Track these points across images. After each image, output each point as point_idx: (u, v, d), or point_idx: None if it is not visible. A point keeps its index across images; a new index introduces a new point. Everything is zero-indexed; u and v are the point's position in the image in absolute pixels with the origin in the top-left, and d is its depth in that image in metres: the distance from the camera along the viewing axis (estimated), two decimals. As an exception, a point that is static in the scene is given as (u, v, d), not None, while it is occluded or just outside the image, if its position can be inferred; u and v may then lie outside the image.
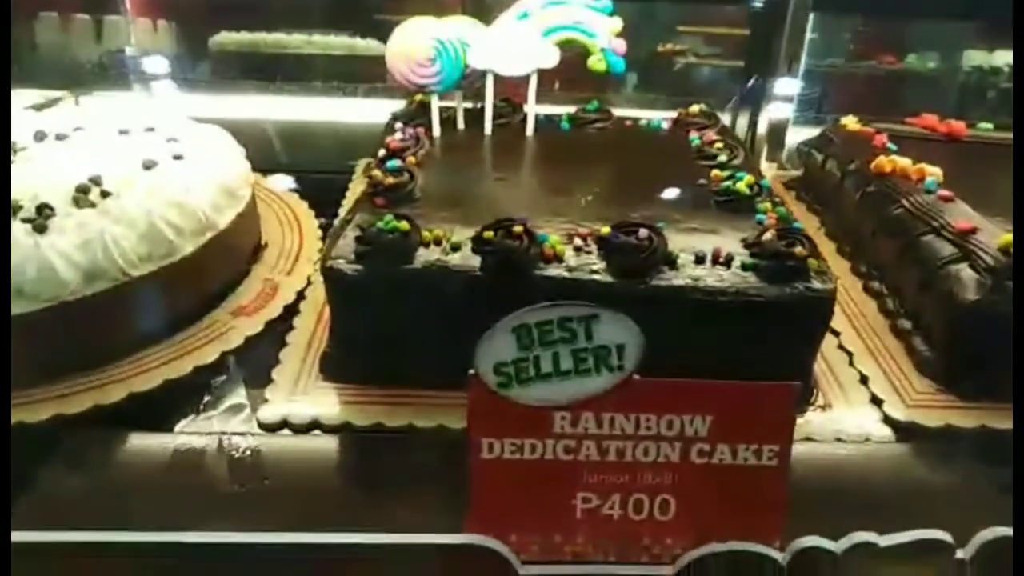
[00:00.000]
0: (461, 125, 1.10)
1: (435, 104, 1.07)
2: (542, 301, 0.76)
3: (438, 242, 0.81)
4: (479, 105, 1.11)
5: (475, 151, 1.07)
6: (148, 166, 0.91)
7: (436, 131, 1.08)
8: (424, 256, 0.79)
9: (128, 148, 0.95)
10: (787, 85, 1.65)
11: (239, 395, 0.80)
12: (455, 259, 0.79)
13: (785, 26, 1.64)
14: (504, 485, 0.58)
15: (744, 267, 0.78)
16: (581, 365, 0.57)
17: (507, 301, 0.76)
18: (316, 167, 1.40)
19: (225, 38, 2.02)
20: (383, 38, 2.05)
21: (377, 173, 0.90)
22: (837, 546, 0.56)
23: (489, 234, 0.79)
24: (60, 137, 0.99)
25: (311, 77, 1.95)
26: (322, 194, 1.22)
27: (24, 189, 0.84)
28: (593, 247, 0.81)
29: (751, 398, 0.59)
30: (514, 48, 1.04)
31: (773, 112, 1.61)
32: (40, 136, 0.98)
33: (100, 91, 1.83)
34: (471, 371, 0.58)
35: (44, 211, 0.80)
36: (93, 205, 0.83)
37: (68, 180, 0.85)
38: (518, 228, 0.79)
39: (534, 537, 0.59)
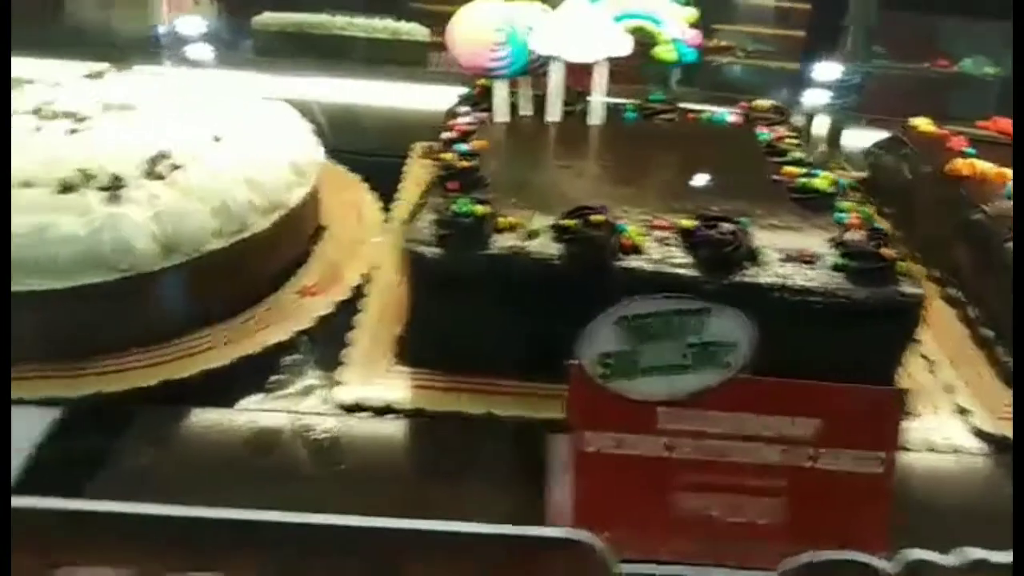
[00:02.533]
0: (527, 112, 1.08)
1: (499, 89, 1.05)
2: (621, 292, 0.75)
3: (513, 228, 0.79)
4: (540, 92, 1.09)
5: (540, 138, 1.04)
6: (218, 140, 0.90)
7: (500, 116, 1.06)
8: (501, 242, 0.77)
9: (196, 121, 0.94)
10: (844, 84, 1.62)
11: (310, 375, 0.79)
12: (533, 246, 0.77)
13: (846, 25, 1.62)
14: (602, 480, 0.57)
15: (836, 267, 0.75)
16: (689, 360, 0.55)
17: (584, 291, 0.76)
18: (359, 148, 1.38)
19: (268, 17, 2.00)
20: (425, 23, 2.03)
21: (448, 156, 0.88)
22: (949, 560, 0.54)
23: (571, 222, 0.77)
24: (124, 108, 0.97)
25: (353, 59, 1.93)
26: (369, 176, 1.20)
27: (92, 158, 0.82)
28: (674, 239, 0.79)
29: (858, 402, 0.57)
30: (584, 34, 1.02)
31: (829, 112, 1.59)
32: (105, 106, 0.97)
33: (141, 65, 1.82)
34: (573, 361, 0.56)
35: (118, 181, 0.79)
36: (163, 177, 0.81)
37: (138, 152, 0.84)
38: (599, 217, 0.77)
39: (630, 534, 0.57)
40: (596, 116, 1.06)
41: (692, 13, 1.05)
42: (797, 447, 0.57)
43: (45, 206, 0.75)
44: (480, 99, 1.09)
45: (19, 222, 0.73)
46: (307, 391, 0.77)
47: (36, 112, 0.94)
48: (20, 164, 0.80)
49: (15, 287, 0.72)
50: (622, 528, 0.57)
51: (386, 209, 1.08)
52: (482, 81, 1.09)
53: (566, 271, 0.76)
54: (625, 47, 1.03)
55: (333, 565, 0.59)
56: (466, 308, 0.78)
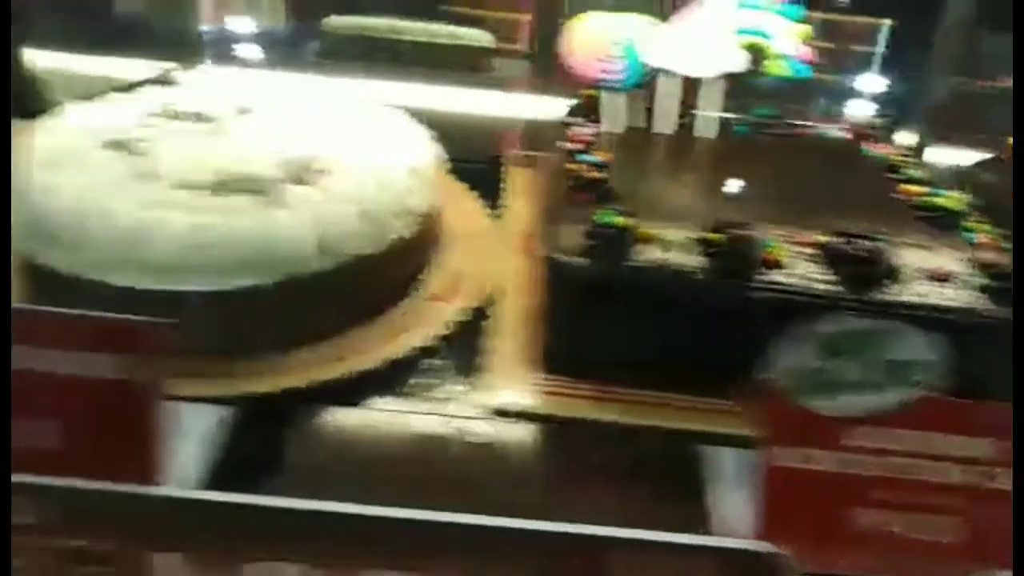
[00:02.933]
0: (636, 123, 1.09)
1: (613, 100, 1.06)
2: (763, 307, 0.76)
3: (651, 240, 0.80)
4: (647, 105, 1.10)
5: (655, 150, 1.05)
6: (351, 145, 0.91)
7: (611, 127, 1.07)
8: (646, 253, 0.78)
9: (323, 125, 0.96)
10: (916, 100, 1.62)
11: (452, 379, 0.80)
12: (676, 258, 0.78)
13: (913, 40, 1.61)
14: (788, 494, 0.58)
15: (981, 288, 0.76)
16: (879, 378, 0.56)
17: (727, 305, 0.77)
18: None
19: (337, 21, 2.02)
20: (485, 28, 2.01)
21: (576, 167, 0.90)
22: None
23: (716, 236, 0.78)
24: (243, 111, 0.99)
25: (416, 64, 1.95)
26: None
27: (232, 162, 0.84)
28: (813, 255, 0.80)
29: (1039, 423, 0.57)
30: (699, 48, 1.03)
31: (913, 129, 1.58)
32: (228, 109, 0.98)
33: (206, 65, 1.84)
34: (764, 375, 0.57)
35: (266, 185, 0.80)
36: (309, 183, 0.83)
37: (278, 155, 0.86)
38: (742, 232, 0.78)
39: (812, 548, 0.58)
40: (707, 129, 1.07)
41: (805, 29, 1.05)
42: (976, 466, 0.58)
43: (202, 208, 0.77)
44: (590, 110, 1.10)
45: (179, 222, 0.75)
46: (449, 396, 0.79)
47: (166, 113, 0.96)
48: (169, 165, 0.82)
49: (175, 286, 0.73)
50: (804, 542, 0.58)
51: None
52: (588, 92, 1.11)
53: (710, 284, 0.77)
54: (739, 62, 1.04)
55: (508, 569, 0.60)
56: (607, 317, 0.79)
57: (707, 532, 0.64)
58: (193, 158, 0.84)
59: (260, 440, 0.72)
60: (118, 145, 0.85)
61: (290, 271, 0.75)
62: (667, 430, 0.76)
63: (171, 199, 0.77)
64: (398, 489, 0.67)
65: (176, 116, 0.96)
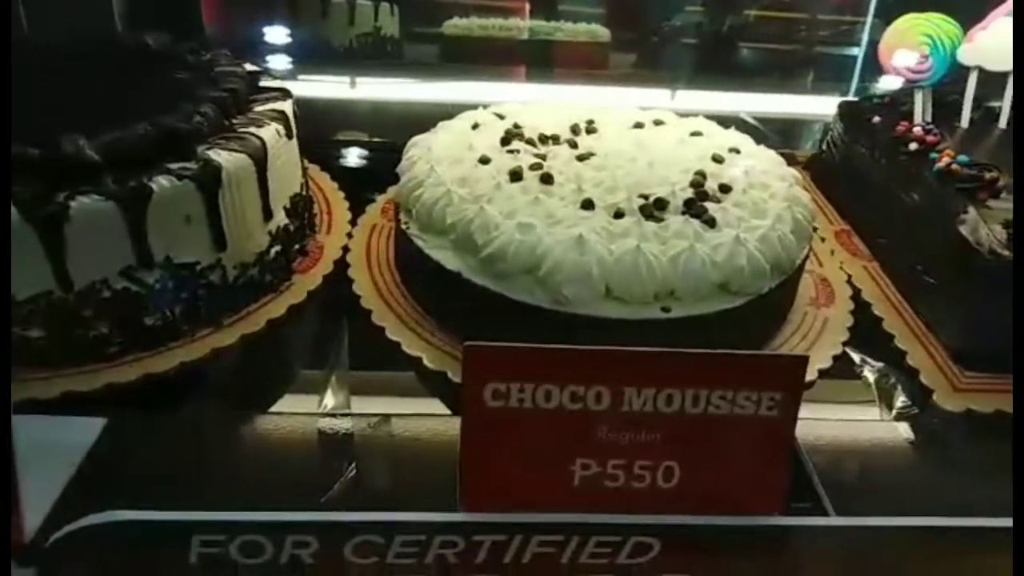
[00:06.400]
0: (927, 117, 1.12)
1: (919, 98, 1.09)
2: None
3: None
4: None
5: (984, 144, 1.07)
6: (718, 159, 0.93)
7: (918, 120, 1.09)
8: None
9: (674, 141, 0.97)
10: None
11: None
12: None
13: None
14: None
15: None
16: None
17: None
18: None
19: (456, 22, 2.02)
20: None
21: (955, 168, 0.93)
22: None
23: None
24: (589, 131, 1.00)
25: (534, 63, 1.97)
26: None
27: (639, 184, 0.85)
28: None
29: None
30: (1002, 45, 1.06)
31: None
32: (576, 129, 0.99)
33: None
34: None
35: (696, 206, 0.82)
36: (719, 200, 0.84)
37: (678, 174, 0.87)
38: None
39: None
40: (1004, 120, 1.11)
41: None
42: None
43: (648, 234, 0.78)
44: (890, 107, 1.13)
45: (654, 251, 0.75)
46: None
47: (511, 136, 0.95)
48: (592, 193, 0.83)
49: (657, 315, 0.74)
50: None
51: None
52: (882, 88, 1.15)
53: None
54: None
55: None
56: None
57: None
58: (603, 183, 0.85)
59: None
60: (516, 176, 0.86)
61: (752, 292, 0.77)
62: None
63: (621, 228, 0.78)
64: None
65: (523, 138, 0.96)
